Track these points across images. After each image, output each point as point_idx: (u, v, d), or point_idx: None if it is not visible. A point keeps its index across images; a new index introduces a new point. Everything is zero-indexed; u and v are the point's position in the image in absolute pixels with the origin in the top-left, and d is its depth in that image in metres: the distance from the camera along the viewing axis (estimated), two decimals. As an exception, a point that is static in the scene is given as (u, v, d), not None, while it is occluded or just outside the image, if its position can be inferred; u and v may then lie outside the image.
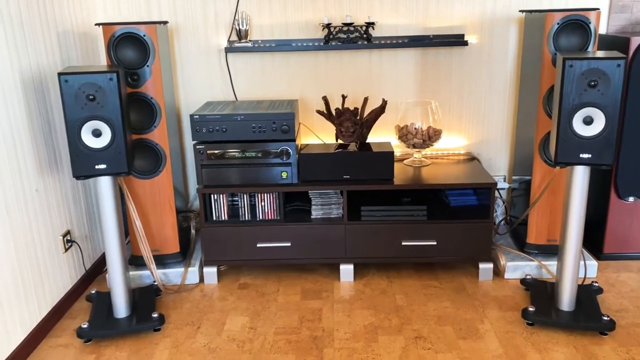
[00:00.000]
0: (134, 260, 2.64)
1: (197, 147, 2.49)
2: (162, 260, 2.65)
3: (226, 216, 2.62)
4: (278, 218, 2.61)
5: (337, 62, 2.88)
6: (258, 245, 2.59)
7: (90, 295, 2.47)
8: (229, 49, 2.81)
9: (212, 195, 2.58)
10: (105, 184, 2.12)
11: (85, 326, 2.18)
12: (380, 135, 2.98)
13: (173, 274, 2.64)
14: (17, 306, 2.07)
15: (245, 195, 2.59)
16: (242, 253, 2.61)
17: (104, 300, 2.39)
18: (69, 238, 2.48)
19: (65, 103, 1.95)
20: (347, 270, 2.63)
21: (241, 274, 2.73)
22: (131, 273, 2.61)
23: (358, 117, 2.61)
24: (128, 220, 2.52)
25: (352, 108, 2.63)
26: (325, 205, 2.61)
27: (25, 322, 2.13)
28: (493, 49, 2.85)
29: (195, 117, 2.46)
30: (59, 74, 1.93)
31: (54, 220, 2.37)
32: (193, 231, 2.92)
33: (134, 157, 2.26)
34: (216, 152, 2.50)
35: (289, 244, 2.59)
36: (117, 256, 2.21)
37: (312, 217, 2.62)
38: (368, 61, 2.88)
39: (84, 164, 2.02)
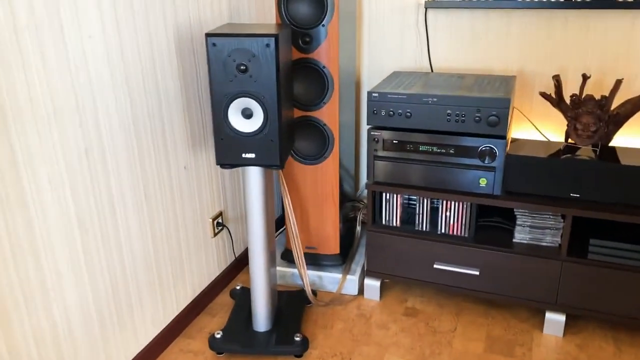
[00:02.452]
0: (287, 255, 2.26)
1: (372, 133, 1.95)
2: (318, 261, 2.22)
3: (399, 222, 2.06)
4: (466, 235, 1.98)
5: (579, 27, 2.05)
6: (435, 265, 2.01)
7: (235, 291, 2.15)
8: (430, 4, 2.17)
9: (384, 194, 2.04)
10: (254, 175, 1.71)
11: (218, 336, 1.86)
12: (631, 136, 2.11)
13: (329, 280, 2.20)
14: (151, 300, 1.81)
15: (425, 200, 2.00)
16: (413, 270, 2.06)
17: (246, 301, 2.05)
18: (219, 221, 2.17)
19: (212, 73, 1.54)
20: (555, 321, 1.92)
21: (409, 294, 2.18)
22: (283, 269, 2.23)
23: (604, 110, 1.81)
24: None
25: (597, 96, 1.83)
26: (536, 229, 1.90)
27: (159, 318, 1.87)
28: None
29: (373, 95, 1.90)
30: (207, 35, 1.51)
31: (204, 201, 2.06)
32: (359, 227, 2.43)
33: (291, 144, 1.81)
34: (395, 141, 1.93)
35: (476, 272, 1.96)
36: (262, 263, 1.81)
37: (514, 240, 1.94)
38: (628, 28, 2.00)
39: (229, 150, 1.61)
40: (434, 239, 2.00)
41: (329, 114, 1.99)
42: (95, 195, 1.53)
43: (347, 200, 2.49)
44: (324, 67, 1.93)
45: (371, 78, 2.44)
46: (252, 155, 1.61)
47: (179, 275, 1.96)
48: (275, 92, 1.53)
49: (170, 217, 1.87)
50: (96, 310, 1.58)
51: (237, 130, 1.59)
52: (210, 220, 2.12)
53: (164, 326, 1.90)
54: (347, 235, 2.36)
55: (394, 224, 2.07)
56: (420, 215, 2.03)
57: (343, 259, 2.23)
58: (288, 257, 2.25)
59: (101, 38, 1.49)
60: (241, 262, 2.37)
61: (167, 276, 1.89)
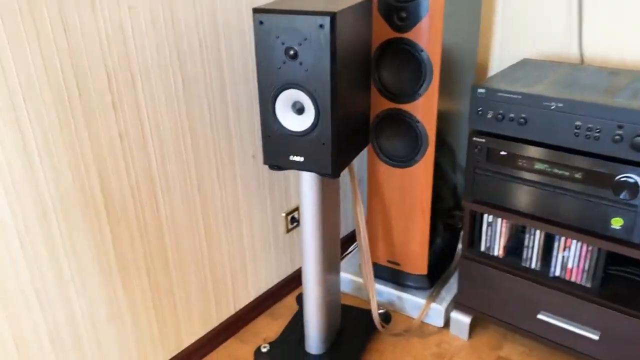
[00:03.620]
0: (367, 265, 1.96)
1: (474, 139, 1.53)
2: (400, 279, 1.89)
3: (501, 251, 1.64)
4: (588, 285, 1.49)
5: None
6: (539, 316, 1.56)
7: (301, 297, 1.93)
8: (585, -28, 1.63)
9: (485, 216, 1.63)
10: (307, 181, 1.43)
11: (264, 350, 1.66)
12: None
13: (410, 303, 1.86)
14: (201, 297, 1.67)
15: (538, 232, 1.54)
16: (511, 314, 1.63)
17: (309, 313, 1.82)
18: (295, 216, 1.95)
19: (258, 57, 1.28)
20: None
21: (507, 340, 1.75)
22: (360, 280, 1.95)
23: None
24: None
25: None
26: (691, 297, 1.35)
27: (210, 316, 1.73)
28: None
29: (479, 91, 1.48)
30: (254, 11, 1.25)
31: (277, 194, 1.85)
32: (460, 245, 2.02)
33: (357, 148, 1.49)
34: (503, 152, 1.49)
35: (595, 336, 1.47)
36: (315, 278, 1.55)
37: (657, 305, 1.41)
38: None
39: (276, 150, 1.36)
40: (544, 282, 1.54)
41: (424, 109, 1.61)
42: (131, 183, 1.40)
43: (455, 208, 2.09)
44: (422, 50, 1.54)
45: (503, 64, 1.96)
46: (300, 159, 1.33)
47: (239, 272, 1.79)
48: (329, 84, 1.22)
49: (231, 210, 1.69)
50: (128, 303, 1.47)
51: (286, 128, 1.31)
52: (284, 214, 1.90)
53: (215, 325, 1.76)
54: (443, 253, 1.98)
55: (496, 254, 1.65)
56: (530, 249, 1.58)
57: (431, 282, 1.86)
58: (369, 268, 1.95)
59: (146, 8, 1.31)
60: (320, 263, 2.14)
61: (224, 273, 1.73)
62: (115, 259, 1.41)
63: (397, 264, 1.87)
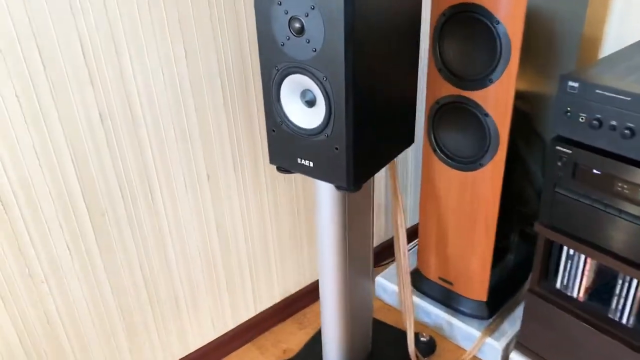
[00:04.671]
0: (417, 280, 1.63)
1: (558, 148, 1.13)
2: (452, 302, 1.55)
3: (582, 293, 1.25)
4: (702, 365, 1.08)
5: None
6: (626, 388, 1.17)
7: (333, 305, 1.67)
8: None
9: (564, 248, 1.23)
10: (324, 191, 1.13)
11: (275, 369, 1.44)
12: None
13: (462, 332, 1.53)
14: (211, 298, 1.47)
15: (635, 281, 1.13)
16: (590, 374, 1.26)
17: (338, 327, 1.55)
18: (336, 211, 1.66)
19: (259, 28, 0.97)
20: None
21: (579, 401, 1.38)
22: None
23: None
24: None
25: None
26: None
27: (223, 319, 1.52)
28: None
29: (570, 84, 1.06)
30: (256, -33, 0.93)
31: (310, 183, 1.57)
32: (536, 266, 1.63)
33: (388, 149, 1.15)
34: (597, 171, 1.08)
35: None
36: (334, 298, 1.27)
37: None
38: None
39: (282, 148, 1.06)
40: (638, 346, 1.15)
41: (496, 99, 1.22)
42: (117, 175, 1.18)
43: (531, 215, 1.69)
44: (497, 22, 1.15)
45: (621, 41, 1.48)
46: (309, 164, 1.03)
47: (262, 271, 1.55)
48: (343, 72, 0.89)
49: (252, 201, 1.44)
50: (119, 305, 1.29)
51: (292, 123, 1.01)
52: (321, 209, 1.62)
53: (231, 328, 1.56)
54: (512, 274, 1.61)
55: (574, 295, 1.26)
56: (622, 299, 1.17)
57: (491, 311, 1.51)
58: (418, 283, 1.63)
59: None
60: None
61: (242, 272, 1.50)
62: (102, 258, 1.22)
63: (450, 284, 1.53)
